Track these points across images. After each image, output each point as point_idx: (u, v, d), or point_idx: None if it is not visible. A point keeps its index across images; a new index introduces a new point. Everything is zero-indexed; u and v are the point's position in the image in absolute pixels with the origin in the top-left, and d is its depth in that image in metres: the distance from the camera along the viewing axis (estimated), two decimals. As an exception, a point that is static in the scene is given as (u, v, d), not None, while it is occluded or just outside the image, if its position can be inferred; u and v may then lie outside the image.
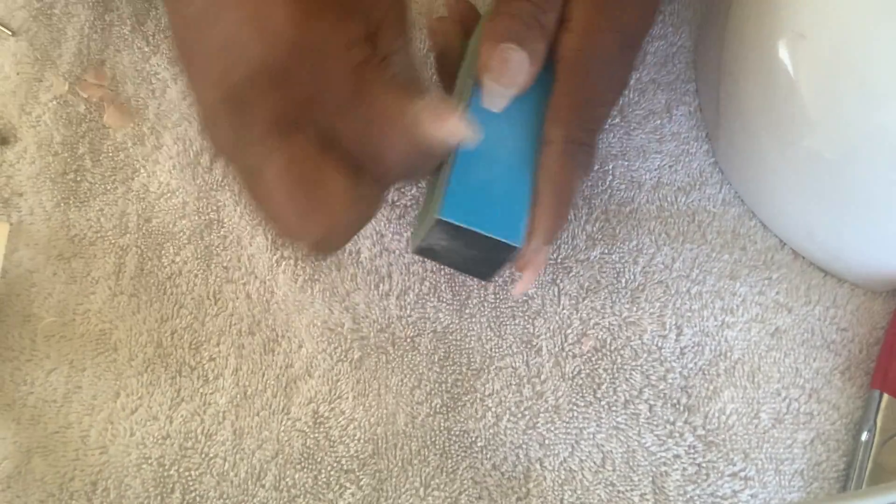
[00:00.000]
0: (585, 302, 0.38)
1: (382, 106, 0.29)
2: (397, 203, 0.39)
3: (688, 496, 0.35)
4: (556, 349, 0.37)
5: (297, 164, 0.29)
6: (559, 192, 0.34)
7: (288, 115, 0.29)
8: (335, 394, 0.37)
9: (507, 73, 0.32)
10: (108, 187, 0.40)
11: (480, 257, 0.34)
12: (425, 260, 0.39)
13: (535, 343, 0.38)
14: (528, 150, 0.34)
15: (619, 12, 0.34)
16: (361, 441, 0.37)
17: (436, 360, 0.38)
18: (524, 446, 0.36)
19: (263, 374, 0.38)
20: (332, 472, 0.36)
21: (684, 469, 0.36)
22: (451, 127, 0.29)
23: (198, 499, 0.36)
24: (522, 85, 0.33)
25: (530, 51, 0.32)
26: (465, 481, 0.36)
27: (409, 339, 0.38)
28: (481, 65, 0.33)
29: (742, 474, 0.36)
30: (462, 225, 0.32)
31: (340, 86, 0.29)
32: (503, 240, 0.32)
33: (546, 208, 0.33)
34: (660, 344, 0.37)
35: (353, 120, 0.29)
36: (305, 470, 0.36)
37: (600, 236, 0.39)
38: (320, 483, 0.36)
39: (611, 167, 0.40)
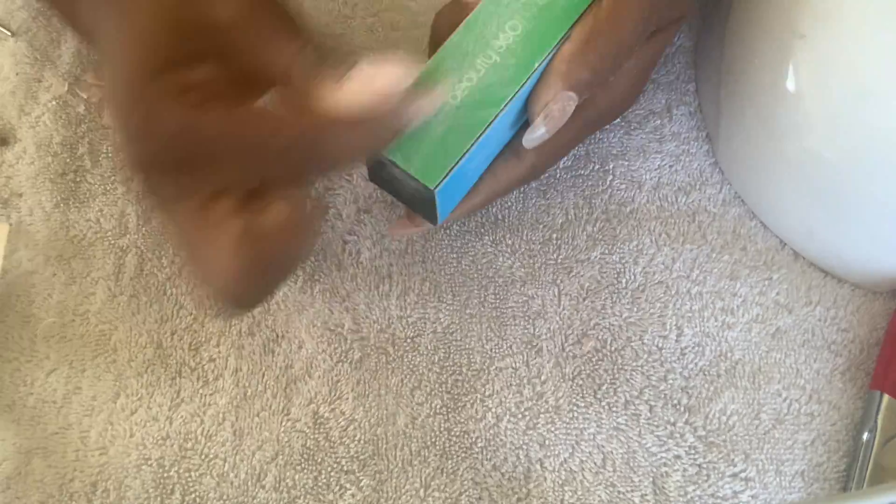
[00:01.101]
0: (586, 302, 0.38)
1: (260, 125, 0.28)
2: (397, 202, 0.39)
3: (688, 497, 0.35)
4: (557, 350, 0.37)
5: (185, 225, 0.28)
6: (493, 198, 0.36)
7: (176, 188, 0.28)
8: (335, 394, 0.37)
9: (560, 122, 0.32)
10: (108, 188, 0.40)
11: (405, 199, 0.34)
12: (425, 260, 0.39)
13: (535, 343, 0.38)
14: (500, 146, 0.34)
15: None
16: (361, 442, 0.37)
17: (436, 360, 0.38)
18: (524, 447, 0.36)
19: (263, 375, 0.38)
20: (332, 473, 0.36)
21: (685, 470, 0.36)
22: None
23: (197, 500, 0.36)
24: None
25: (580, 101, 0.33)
26: (466, 482, 0.36)
27: (409, 340, 0.38)
28: (540, 105, 0.32)
29: (743, 475, 0.36)
30: (436, 201, 0.32)
31: (187, 134, 0.27)
32: (441, 218, 0.33)
33: (473, 204, 0.35)
34: (660, 344, 0.37)
35: (232, 160, 0.28)
36: (305, 471, 0.36)
37: (600, 236, 0.39)
38: (320, 484, 0.36)
39: (611, 167, 0.40)
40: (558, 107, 0.32)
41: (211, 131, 0.27)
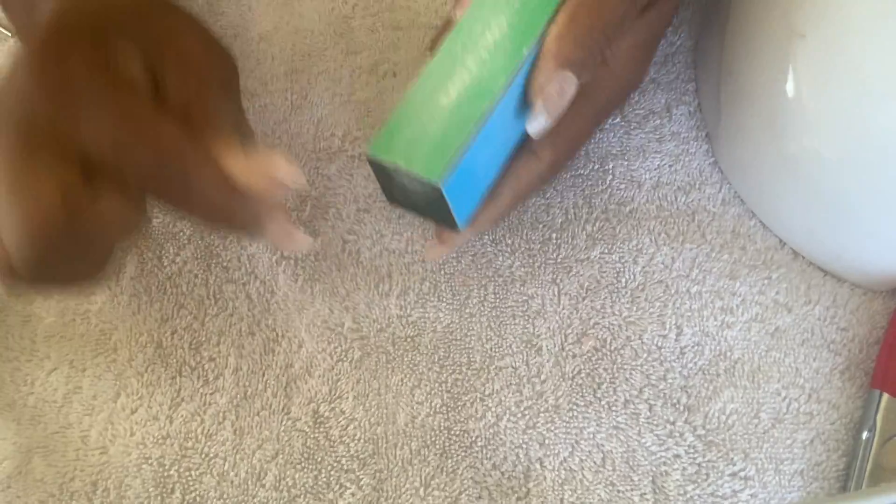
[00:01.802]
0: (585, 301, 0.38)
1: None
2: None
3: (688, 496, 0.35)
4: (557, 349, 0.37)
5: (15, 164, 0.28)
6: (517, 200, 0.35)
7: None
8: (335, 394, 0.37)
9: (560, 105, 0.32)
10: (108, 187, 0.40)
11: (421, 209, 0.34)
12: (425, 259, 0.39)
13: (535, 343, 0.38)
14: (512, 144, 0.34)
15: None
16: (361, 441, 0.37)
17: (436, 359, 0.38)
18: (524, 446, 0.36)
19: (263, 374, 0.38)
20: (332, 472, 0.36)
21: (684, 469, 0.36)
22: None
23: (198, 499, 0.36)
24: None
25: (581, 83, 0.32)
26: (465, 481, 0.36)
27: (409, 339, 0.38)
28: (538, 86, 0.32)
29: (742, 474, 0.36)
30: (446, 199, 0.32)
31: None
32: (459, 222, 0.33)
33: (498, 209, 0.35)
34: (660, 344, 0.37)
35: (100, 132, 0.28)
36: (306, 470, 0.36)
37: (600, 236, 0.39)
38: (320, 483, 0.36)
39: (610, 166, 0.40)
40: (555, 88, 0.32)
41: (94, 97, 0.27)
